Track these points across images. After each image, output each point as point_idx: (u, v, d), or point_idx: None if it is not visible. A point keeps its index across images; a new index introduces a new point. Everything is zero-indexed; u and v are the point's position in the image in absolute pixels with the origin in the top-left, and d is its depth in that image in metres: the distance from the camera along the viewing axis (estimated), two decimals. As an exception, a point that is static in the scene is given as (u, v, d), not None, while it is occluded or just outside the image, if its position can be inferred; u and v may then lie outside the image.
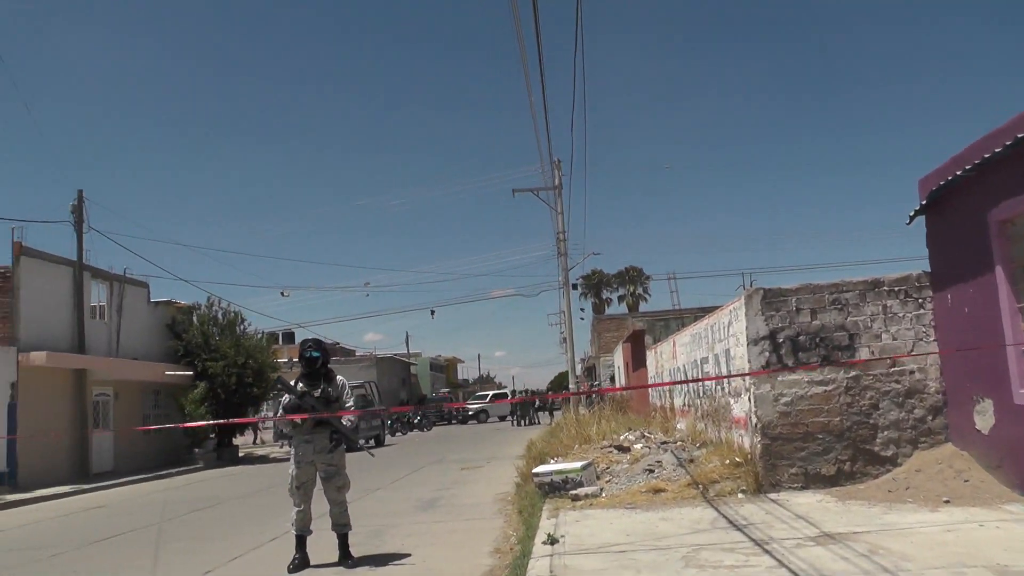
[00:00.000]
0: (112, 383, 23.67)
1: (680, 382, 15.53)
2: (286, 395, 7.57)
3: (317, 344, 7.65)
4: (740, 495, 8.48)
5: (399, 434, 39.29)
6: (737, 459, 9.37)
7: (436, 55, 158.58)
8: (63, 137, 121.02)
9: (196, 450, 25.75)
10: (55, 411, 20.92)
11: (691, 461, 10.36)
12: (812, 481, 8.58)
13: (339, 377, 7.75)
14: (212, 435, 26.55)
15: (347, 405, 7.66)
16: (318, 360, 7.57)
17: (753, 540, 6.23)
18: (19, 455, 19.12)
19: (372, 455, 8.98)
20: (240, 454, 28.41)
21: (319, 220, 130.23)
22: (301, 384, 7.55)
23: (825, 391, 8.72)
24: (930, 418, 8.61)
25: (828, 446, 8.63)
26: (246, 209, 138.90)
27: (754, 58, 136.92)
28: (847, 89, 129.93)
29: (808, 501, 7.89)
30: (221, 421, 25.15)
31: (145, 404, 26.07)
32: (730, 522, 7.07)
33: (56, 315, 21.52)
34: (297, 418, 7.34)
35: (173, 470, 23.03)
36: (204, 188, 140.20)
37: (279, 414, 7.64)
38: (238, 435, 29.09)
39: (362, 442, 25.11)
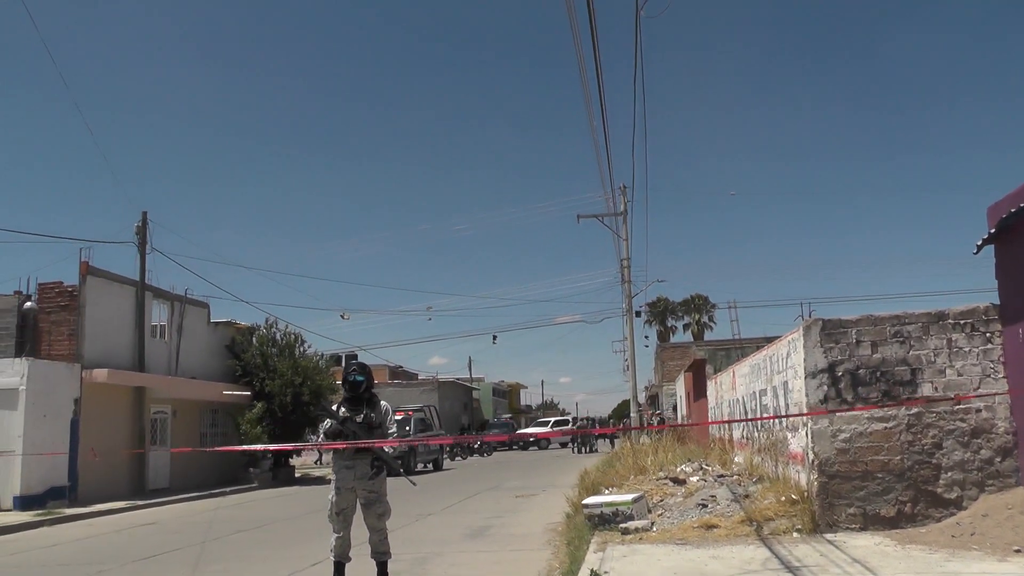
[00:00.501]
0: (170, 401, 24.01)
1: (729, 421, 15.14)
2: (328, 420, 7.46)
3: (361, 368, 7.50)
4: (795, 534, 8.11)
5: (459, 459, 39.16)
6: (793, 496, 8.99)
7: (500, 79, 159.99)
8: (128, 159, 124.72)
9: (252, 469, 25.90)
10: (115, 428, 21.26)
11: (746, 496, 10.00)
12: (871, 522, 8.16)
13: (383, 403, 7.60)
14: (268, 455, 26.71)
15: (389, 431, 7.49)
16: (361, 384, 7.40)
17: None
18: (79, 470, 19.44)
19: (413, 484, 8.83)
20: (297, 474, 28.52)
21: (382, 243, 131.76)
22: (343, 408, 7.41)
23: (885, 428, 8.32)
24: (998, 460, 8.13)
25: (888, 486, 8.21)
26: (309, 231, 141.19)
27: (817, 78, 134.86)
28: (915, 111, 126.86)
29: (866, 544, 7.48)
30: (268, 446, 25.21)
31: (203, 423, 26.38)
32: (783, 563, 6.72)
33: (118, 333, 21.95)
34: (340, 445, 7.20)
35: (227, 489, 23.20)
36: (266, 210, 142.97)
37: (320, 439, 7.52)
38: (295, 456, 29.17)
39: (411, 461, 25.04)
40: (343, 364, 36.55)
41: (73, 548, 12.26)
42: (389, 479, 7.47)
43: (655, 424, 29.78)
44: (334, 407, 7.56)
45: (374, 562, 7.31)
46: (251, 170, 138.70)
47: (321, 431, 7.51)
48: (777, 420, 11.22)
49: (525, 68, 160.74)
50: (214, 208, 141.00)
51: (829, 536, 7.93)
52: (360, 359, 7.99)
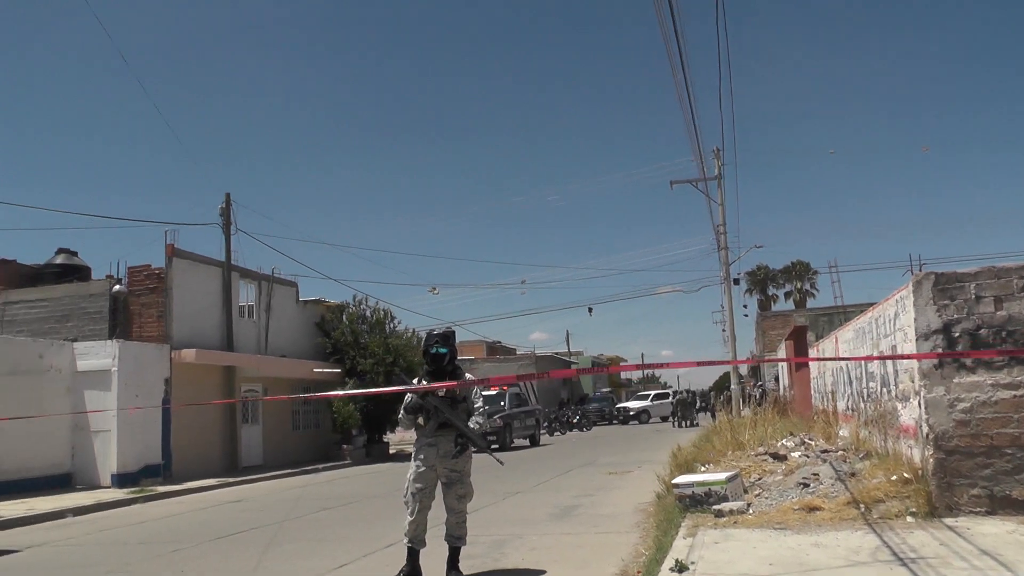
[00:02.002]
0: (261, 379, 24.23)
1: (822, 359, 14.09)
2: (408, 393, 6.96)
3: (444, 339, 6.97)
4: (908, 518, 7.16)
5: (557, 434, 38.74)
6: (905, 475, 8.04)
7: (588, 46, 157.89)
8: (211, 141, 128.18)
9: (345, 446, 26.00)
10: (206, 408, 21.50)
11: (852, 475, 9.09)
12: (1000, 506, 7.15)
13: (467, 375, 7.07)
14: (359, 431, 26.73)
15: (475, 406, 6.97)
16: (444, 357, 6.87)
17: (923, 581, 5.08)
18: (173, 449, 19.75)
19: (500, 463, 8.31)
20: (391, 451, 28.51)
21: (474, 217, 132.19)
22: (424, 382, 6.91)
23: (1014, 396, 7.28)
24: None
25: (1020, 464, 7.18)
26: (398, 207, 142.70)
27: (918, 26, 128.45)
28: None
29: (995, 531, 6.49)
30: (363, 391, 25.21)
31: (294, 400, 26.59)
32: (895, 554, 5.85)
33: (206, 314, 22.21)
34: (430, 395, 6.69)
35: (320, 466, 23.32)
36: (353, 189, 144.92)
37: (400, 414, 7.03)
38: (389, 432, 29.21)
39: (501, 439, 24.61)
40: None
41: (157, 526, 12.26)
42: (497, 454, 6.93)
43: (756, 396, 28.69)
44: (415, 380, 7.07)
45: (447, 545, 6.83)
46: (336, 150, 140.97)
47: (401, 406, 7.01)
48: (885, 389, 10.25)
49: (611, 35, 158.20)
50: (300, 189, 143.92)
51: (949, 521, 6.97)
52: (456, 334, 7.43)
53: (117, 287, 20.97)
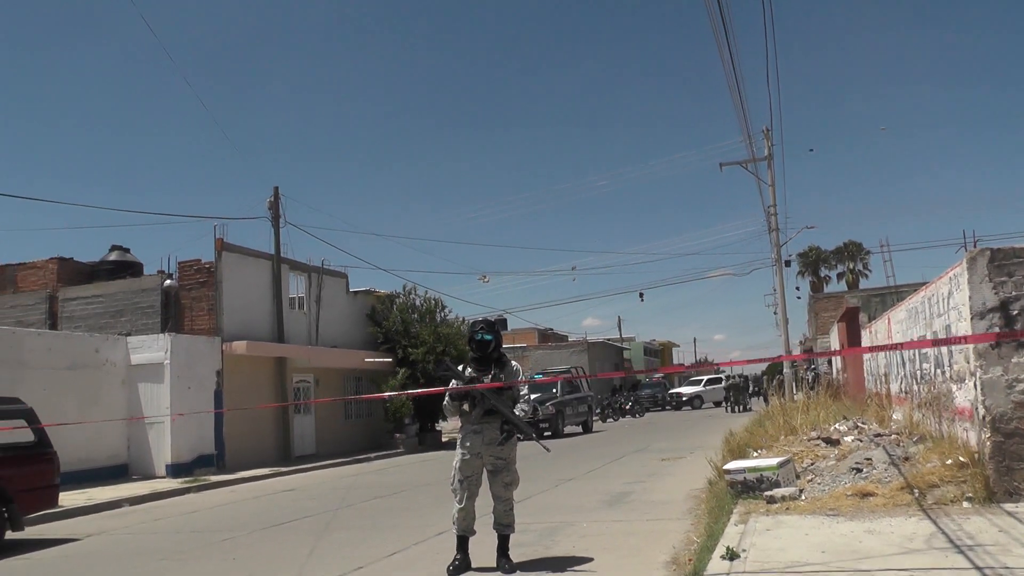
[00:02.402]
0: (312, 370, 24.47)
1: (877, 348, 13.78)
2: (453, 380, 6.97)
3: (488, 326, 6.97)
4: (965, 504, 6.97)
5: (610, 420, 38.61)
6: (961, 459, 7.84)
7: (633, 32, 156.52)
8: (258, 135, 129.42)
9: (397, 435, 26.11)
10: (258, 398, 21.82)
11: (906, 459, 8.89)
12: (1061, 490, 6.95)
13: (513, 363, 7.06)
14: (411, 420, 26.85)
15: (521, 394, 6.96)
16: (490, 344, 6.88)
17: (981, 570, 4.93)
18: (226, 439, 20.07)
19: (547, 449, 8.29)
20: (444, 439, 28.64)
21: (523, 205, 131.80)
22: (470, 369, 6.93)
23: (1077, 377, 7.06)
24: None
25: (1082, 446, 6.98)
26: (447, 197, 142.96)
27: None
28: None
29: (1058, 517, 6.31)
30: (411, 392, 25.33)
31: (346, 390, 26.82)
32: (951, 541, 5.69)
33: (257, 307, 22.48)
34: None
35: (372, 455, 23.48)
36: (403, 178, 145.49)
37: (445, 401, 7.04)
38: (442, 420, 29.31)
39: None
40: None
41: (210, 515, 12.48)
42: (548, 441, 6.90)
43: (808, 379, 28.25)
44: (459, 367, 7.07)
45: (496, 533, 6.82)
46: (383, 140, 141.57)
47: (447, 393, 7.01)
48: (939, 371, 10.01)
49: (656, 19, 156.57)
50: (348, 181, 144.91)
51: (1008, 507, 6.75)
52: (507, 322, 7.41)
53: (168, 282, 21.33)
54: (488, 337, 6.87)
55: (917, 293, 11.90)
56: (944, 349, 9.60)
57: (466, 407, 6.79)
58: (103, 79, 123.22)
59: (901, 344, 12.40)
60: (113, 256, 24.58)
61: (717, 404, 46.34)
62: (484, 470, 6.79)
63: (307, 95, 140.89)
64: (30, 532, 10.43)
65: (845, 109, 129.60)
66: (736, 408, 38.80)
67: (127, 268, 24.00)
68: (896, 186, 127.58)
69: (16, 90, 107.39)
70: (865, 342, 19.80)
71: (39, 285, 23.77)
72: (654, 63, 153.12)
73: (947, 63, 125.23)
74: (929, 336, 10.66)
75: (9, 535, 9.68)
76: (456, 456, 6.84)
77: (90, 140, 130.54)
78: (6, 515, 9.56)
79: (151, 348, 19.06)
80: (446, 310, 29.82)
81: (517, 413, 6.76)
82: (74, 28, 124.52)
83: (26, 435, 10.46)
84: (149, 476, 18.30)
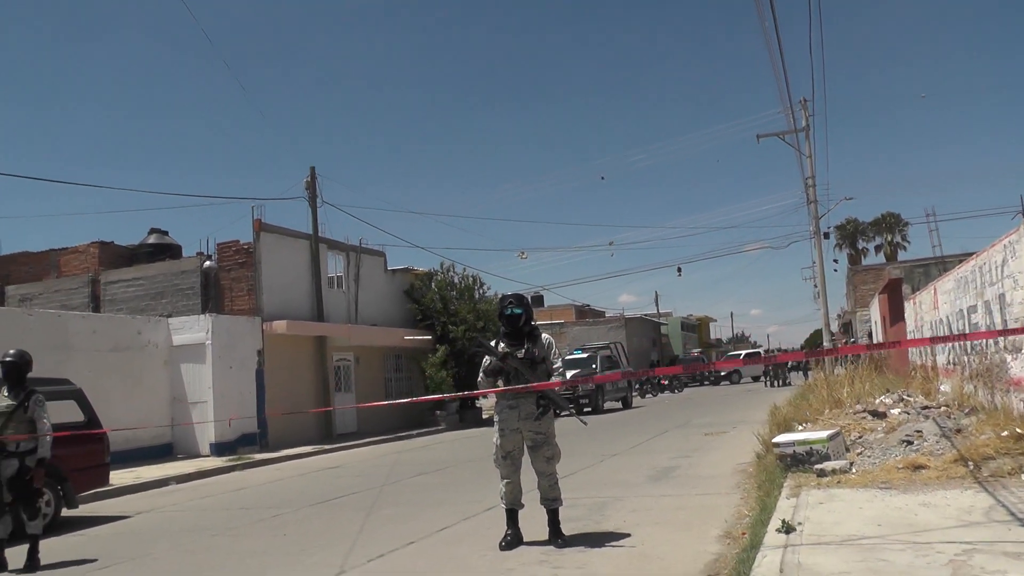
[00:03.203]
0: (352, 348, 24.56)
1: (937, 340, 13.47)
2: (487, 356, 6.89)
3: (518, 300, 6.91)
4: (1023, 476, 6.82)
5: (649, 396, 38.46)
6: (1018, 430, 7.61)
7: (670, 5, 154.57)
8: (295, 116, 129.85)
9: (438, 412, 26.12)
10: (299, 376, 21.99)
11: (957, 431, 8.67)
12: None
13: (544, 335, 6.97)
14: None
15: (555, 367, 6.87)
16: (520, 317, 6.81)
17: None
18: (268, 418, 20.19)
19: (584, 423, 8.20)
20: (484, 415, 28.66)
21: (560, 182, 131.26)
22: (502, 344, 6.84)
23: None
24: None
25: None
26: (484, 174, 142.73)
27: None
28: None
29: (1125, 489, 6.08)
30: (444, 396, 25.32)
31: (386, 368, 26.92)
32: (1012, 514, 5.49)
33: (295, 286, 22.57)
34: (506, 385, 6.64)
35: (414, 432, 23.52)
36: (440, 156, 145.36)
37: (480, 376, 6.98)
38: (483, 396, 29.32)
39: (572, 408, 24.47)
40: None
41: (257, 492, 12.57)
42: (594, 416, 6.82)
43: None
44: (492, 343, 6.98)
45: (544, 508, 6.75)
46: (419, 119, 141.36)
47: (480, 369, 6.97)
48: (992, 341, 9.76)
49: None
50: (385, 160, 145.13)
51: (1071, 479, 6.58)
52: (545, 299, 7.32)
53: (208, 263, 21.47)
54: (518, 311, 6.82)
55: (967, 262, 11.62)
56: (997, 319, 9.37)
57: (500, 383, 6.75)
58: (141, 64, 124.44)
59: (966, 335, 12.06)
60: (152, 239, 24.82)
61: (756, 379, 46.11)
62: (524, 445, 6.73)
63: (343, 75, 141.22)
64: (83, 510, 10.59)
65: (888, 77, 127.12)
66: (776, 383, 38.61)
67: (166, 251, 24.24)
68: (941, 155, 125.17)
69: (57, 76, 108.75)
70: (908, 314, 19.41)
71: (81, 269, 24.10)
72: (690, 36, 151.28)
73: (988, 29, 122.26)
74: (980, 305, 10.42)
75: (64, 512, 9.82)
76: (495, 432, 6.81)
77: (129, 125, 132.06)
78: (61, 493, 9.68)
79: (192, 329, 19.22)
80: (485, 287, 29.81)
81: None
82: (113, 14, 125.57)
83: (77, 415, 10.58)
84: (193, 455, 18.52)
